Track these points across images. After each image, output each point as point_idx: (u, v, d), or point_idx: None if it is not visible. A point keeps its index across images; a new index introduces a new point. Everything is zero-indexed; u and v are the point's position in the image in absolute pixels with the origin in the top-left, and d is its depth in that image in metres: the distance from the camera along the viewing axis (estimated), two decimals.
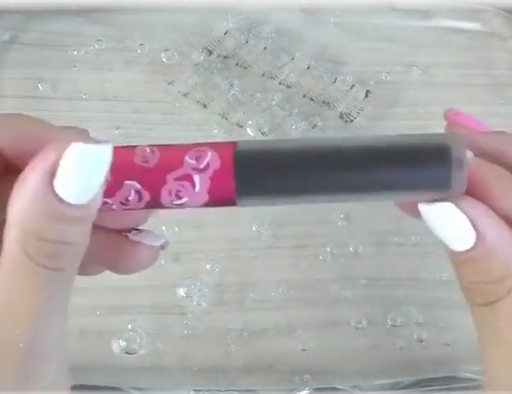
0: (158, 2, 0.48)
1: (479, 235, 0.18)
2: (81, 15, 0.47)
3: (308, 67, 0.47)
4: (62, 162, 0.17)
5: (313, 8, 0.49)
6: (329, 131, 0.44)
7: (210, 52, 0.47)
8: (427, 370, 0.37)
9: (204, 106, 0.45)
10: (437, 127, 0.45)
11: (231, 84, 0.45)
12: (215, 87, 0.45)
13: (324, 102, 0.45)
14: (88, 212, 0.18)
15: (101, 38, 0.47)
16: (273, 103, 0.45)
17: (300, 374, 0.36)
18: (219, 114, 0.44)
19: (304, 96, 0.45)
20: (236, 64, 0.46)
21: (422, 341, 0.37)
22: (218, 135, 0.43)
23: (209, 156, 0.18)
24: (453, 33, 0.49)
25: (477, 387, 0.35)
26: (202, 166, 0.18)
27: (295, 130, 0.44)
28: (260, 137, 0.44)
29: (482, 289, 0.19)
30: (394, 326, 0.38)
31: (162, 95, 0.45)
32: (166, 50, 0.47)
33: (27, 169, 0.17)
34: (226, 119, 0.44)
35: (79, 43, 0.46)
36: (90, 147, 0.17)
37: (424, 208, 0.19)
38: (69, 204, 0.17)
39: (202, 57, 0.46)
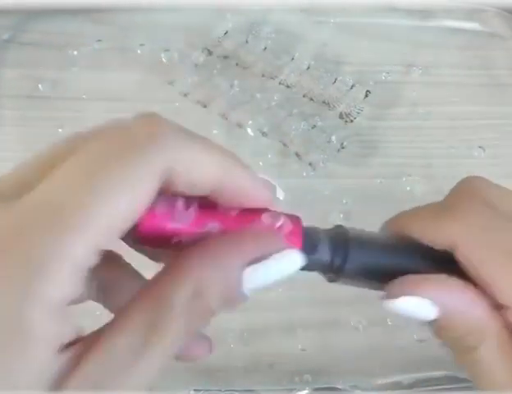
0: (158, 2, 0.48)
1: (440, 307, 0.21)
2: (81, 15, 0.47)
3: (308, 67, 0.47)
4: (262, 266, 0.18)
5: (313, 8, 0.49)
6: (329, 131, 0.44)
7: (210, 53, 0.47)
8: (426, 370, 0.37)
9: (204, 106, 0.45)
10: (436, 127, 0.45)
11: (231, 85, 0.45)
12: (215, 87, 0.45)
13: (324, 102, 0.45)
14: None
15: (101, 39, 0.47)
16: (273, 103, 0.45)
17: (300, 374, 0.36)
18: (219, 114, 0.44)
19: (303, 96, 0.45)
20: (236, 64, 0.46)
21: (422, 341, 0.37)
22: (218, 135, 0.43)
23: (282, 219, 0.20)
24: (453, 33, 0.49)
25: (477, 387, 0.35)
26: (277, 225, 0.20)
27: (295, 130, 0.44)
28: (260, 137, 0.44)
29: (460, 342, 0.21)
30: (394, 326, 0.38)
31: (162, 95, 0.45)
32: (166, 50, 0.47)
33: (224, 248, 0.18)
34: (227, 119, 0.44)
35: (79, 43, 0.46)
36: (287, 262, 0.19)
37: (389, 305, 0.21)
38: (242, 293, 0.18)
39: (202, 58, 0.46)
